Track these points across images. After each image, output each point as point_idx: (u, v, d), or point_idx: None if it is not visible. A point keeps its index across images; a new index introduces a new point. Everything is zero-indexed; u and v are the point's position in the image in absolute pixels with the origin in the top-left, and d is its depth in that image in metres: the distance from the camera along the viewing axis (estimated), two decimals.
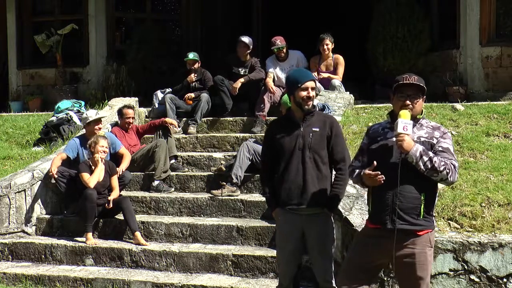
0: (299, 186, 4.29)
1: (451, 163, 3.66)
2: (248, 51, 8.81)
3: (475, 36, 8.96)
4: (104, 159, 6.74)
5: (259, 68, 8.74)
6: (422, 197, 3.73)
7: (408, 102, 3.78)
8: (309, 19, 13.33)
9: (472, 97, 8.64)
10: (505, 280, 4.69)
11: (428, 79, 9.38)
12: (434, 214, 3.81)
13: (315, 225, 4.33)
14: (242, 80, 8.63)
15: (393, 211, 3.73)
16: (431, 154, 3.66)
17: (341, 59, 8.66)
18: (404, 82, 3.80)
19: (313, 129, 4.32)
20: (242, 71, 8.82)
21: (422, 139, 3.76)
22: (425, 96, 3.87)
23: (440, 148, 3.71)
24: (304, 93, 4.29)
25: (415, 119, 3.81)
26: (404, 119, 3.68)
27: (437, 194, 3.84)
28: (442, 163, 3.63)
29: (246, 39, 8.79)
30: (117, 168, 6.92)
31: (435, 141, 3.75)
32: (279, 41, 8.66)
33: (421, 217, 3.73)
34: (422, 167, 3.64)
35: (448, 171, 3.63)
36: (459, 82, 8.96)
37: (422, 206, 3.73)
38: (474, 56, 9.00)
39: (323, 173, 4.32)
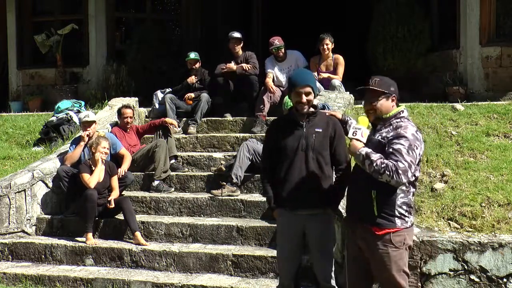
0: (302, 187, 4.28)
1: (394, 165, 3.65)
2: (240, 45, 8.87)
3: (475, 36, 8.96)
4: (104, 159, 6.75)
5: (254, 63, 8.75)
6: (373, 195, 3.79)
7: (368, 106, 3.93)
8: (309, 19, 13.33)
9: (472, 97, 8.64)
10: (505, 280, 4.69)
11: (428, 79, 9.42)
12: (400, 215, 3.79)
13: (316, 225, 4.33)
14: (244, 66, 8.67)
15: (353, 206, 3.92)
16: (374, 156, 3.70)
17: (341, 59, 8.66)
18: (358, 88, 3.99)
19: (316, 130, 4.32)
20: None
21: (379, 138, 3.85)
22: (394, 95, 3.89)
23: (390, 150, 3.73)
24: (297, 99, 4.30)
25: (383, 118, 3.89)
26: (358, 124, 3.89)
27: (403, 195, 3.80)
28: (384, 165, 3.66)
29: (237, 34, 8.87)
30: (118, 169, 6.92)
31: (385, 141, 3.79)
32: (277, 41, 8.68)
33: (376, 215, 3.78)
34: (366, 169, 3.74)
35: (388, 173, 3.64)
36: (459, 82, 8.95)
37: (375, 204, 3.79)
38: (474, 56, 9.00)
39: (325, 173, 4.33)
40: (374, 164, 3.69)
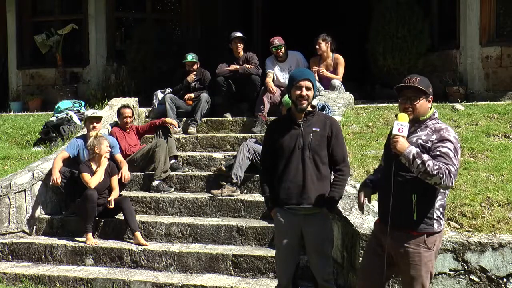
0: (299, 186, 4.29)
1: (446, 168, 3.60)
2: (243, 45, 8.87)
3: (475, 36, 8.97)
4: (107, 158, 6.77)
5: (256, 64, 8.75)
6: (413, 198, 3.74)
7: (407, 104, 3.80)
8: (309, 19, 13.33)
9: (472, 97, 8.65)
10: (505, 280, 4.69)
11: (428, 79, 9.40)
12: (437, 218, 3.76)
13: (313, 224, 4.33)
14: (248, 66, 8.69)
15: (389, 209, 3.77)
16: (425, 157, 3.62)
17: (341, 59, 8.66)
18: (401, 84, 3.83)
19: (313, 129, 4.32)
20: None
21: (420, 141, 3.76)
22: (431, 97, 3.85)
23: (438, 152, 3.67)
24: (297, 92, 4.30)
25: (418, 120, 3.81)
26: (400, 121, 3.71)
27: (441, 197, 3.78)
28: (436, 167, 3.58)
29: (240, 34, 8.87)
30: (121, 172, 6.90)
31: (430, 144, 3.72)
32: (277, 40, 8.68)
33: (415, 218, 3.74)
34: (414, 169, 3.64)
35: (441, 175, 3.58)
36: (459, 82, 8.96)
37: (415, 207, 3.74)
38: (474, 56, 9.00)
39: (322, 173, 4.32)
40: (426, 165, 3.59)
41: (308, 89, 4.30)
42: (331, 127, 4.36)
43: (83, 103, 9.06)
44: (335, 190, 4.36)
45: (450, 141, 3.70)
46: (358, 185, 5.75)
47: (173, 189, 7.19)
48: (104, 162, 6.69)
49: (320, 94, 8.03)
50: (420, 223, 3.75)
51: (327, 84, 8.44)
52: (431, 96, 3.85)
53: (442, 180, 3.59)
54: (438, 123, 3.82)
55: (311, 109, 4.39)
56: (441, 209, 3.80)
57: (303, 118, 4.36)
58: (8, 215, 6.73)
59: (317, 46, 8.62)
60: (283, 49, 8.71)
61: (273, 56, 8.79)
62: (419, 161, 3.61)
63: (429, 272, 3.81)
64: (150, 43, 10.64)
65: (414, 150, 3.65)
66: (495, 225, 5.03)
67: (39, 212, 7.00)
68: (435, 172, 3.58)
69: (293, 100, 4.35)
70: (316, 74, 8.41)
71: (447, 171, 3.59)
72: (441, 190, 3.77)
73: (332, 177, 4.42)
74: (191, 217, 6.71)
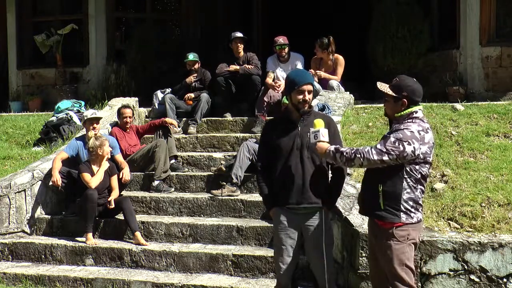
0: (298, 185, 4.30)
1: (368, 147, 3.83)
2: (243, 45, 8.86)
3: (475, 36, 8.97)
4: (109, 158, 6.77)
5: (256, 64, 8.75)
6: (379, 189, 3.86)
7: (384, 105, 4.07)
8: (309, 19, 13.33)
9: (472, 97, 8.65)
10: (505, 280, 4.69)
11: (428, 79, 9.42)
12: (405, 210, 3.85)
13: (313, 224, 4.34)
14: (248, 66, 8.70)
15: (363, 201, 4.03)
16: (343, 148, 3.90)
17: (340, 59, 8.65)
18: (377, 86, 4.03)
19: (311, 128, 4.33)
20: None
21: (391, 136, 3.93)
22: (403, 100, 3.91)
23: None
24: (300, 96, 4.31)
25: (396, 118, 3.96)
26: (315, 128, 4.08)
27: (409, 190, 3.85)
28: (353, 150, 3.84)
29: (240, 34, 8.86)
30: (121, 172, 6.90)
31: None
32: (282, 39, 8.68)
33: (382, 208, 3.85)
34: (340, 163, 3.93)
35: (359, 155, 3.81)
36: (459, 82, 8.96)
37: (381, 198, 3.86)
38: (474, 56, 9.00)
39: (321, 172, 4.34)
40: (345, 153, 3.87)
41: (309, 92, 4.34)
42: (329, 126, 4.36)
43: (83, 103, 9.05)
44: (334, 189, 4.38)
45: (402, 132, 3.83)
46: (358, 185, 5.75)
47: (173, 189, 7.19)
48: (105, 162, 6.70)
49: (320, 94, 8.03)
50: (386, 213, 3.86)
51: (326, 84, 8.43)
52: (403, 99, 3.92)
53: (362, 159, 3.81)
54: (414, 122, 3.91)
55: (309, 109, 4.41)
56: (410, 202, 3.88)
57: (300, 118, 4.37)
58: (8, 215, 6.73)
59: (315, 51, 8.66)
60: (286, 49, 8.70)
61: (275, 56, 8.78)
62: (338, 154, 3.89)
63: (403, 264, 3.86)
64: (150, 43, 10.64)
65: (332, 147, 3.94)
66: (495, 225, 5.04)
67: (39, 212, 7.00)
68: (352, 155, 3.84)
69: (295, 104, 4.35)
70: (315, 76, 8.41)
71: (366, 150, 3.80)
72: (410, 184, 3.85)
73: (331, 176, 4.43)
74: (191, 217, 6.71)
